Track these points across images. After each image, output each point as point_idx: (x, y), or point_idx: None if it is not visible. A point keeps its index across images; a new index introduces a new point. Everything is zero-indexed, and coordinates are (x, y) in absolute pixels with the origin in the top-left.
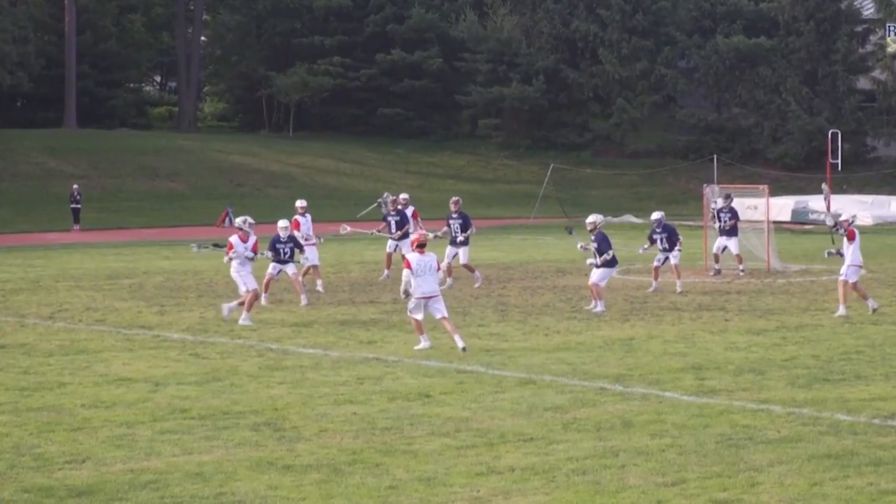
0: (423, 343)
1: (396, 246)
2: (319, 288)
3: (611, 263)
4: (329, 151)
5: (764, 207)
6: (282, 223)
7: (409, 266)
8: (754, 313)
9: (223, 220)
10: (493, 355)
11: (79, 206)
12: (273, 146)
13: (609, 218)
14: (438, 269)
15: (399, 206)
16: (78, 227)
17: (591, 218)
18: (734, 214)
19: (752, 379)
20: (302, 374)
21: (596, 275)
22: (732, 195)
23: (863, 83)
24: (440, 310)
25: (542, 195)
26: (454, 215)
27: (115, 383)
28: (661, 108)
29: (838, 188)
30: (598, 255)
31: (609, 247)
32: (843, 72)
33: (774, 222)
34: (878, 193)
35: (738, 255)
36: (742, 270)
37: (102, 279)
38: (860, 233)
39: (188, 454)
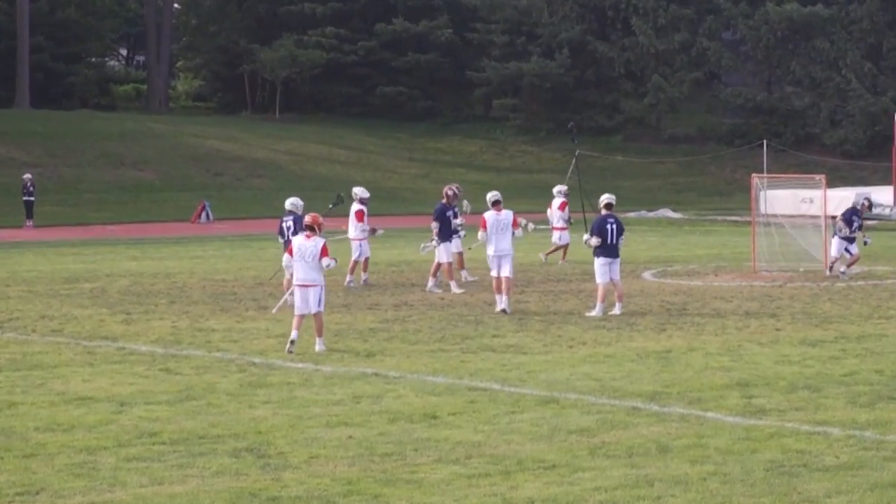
0: (293, 336)
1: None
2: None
3: (600, 251)
4: (321, 136)
5: (820, 201)
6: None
7: (291, 252)
8: (809, 321)
9: (199, 216)
10: (510, 370)
11: (32, 198)
12: (256, 130)
13: (643, 212)
14: (324, 255)
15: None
16: (31, 223)
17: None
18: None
19: (807, 397)
20: (290, 391)
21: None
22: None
23: None
24: (312, 303)
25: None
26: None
27: (74, 403)
28: (703, 86)
29: None
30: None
31: (598, 231)
32: None
33: (832, 218)
34: None
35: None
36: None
37: (59, 283)
38: None
39: (158, 484)
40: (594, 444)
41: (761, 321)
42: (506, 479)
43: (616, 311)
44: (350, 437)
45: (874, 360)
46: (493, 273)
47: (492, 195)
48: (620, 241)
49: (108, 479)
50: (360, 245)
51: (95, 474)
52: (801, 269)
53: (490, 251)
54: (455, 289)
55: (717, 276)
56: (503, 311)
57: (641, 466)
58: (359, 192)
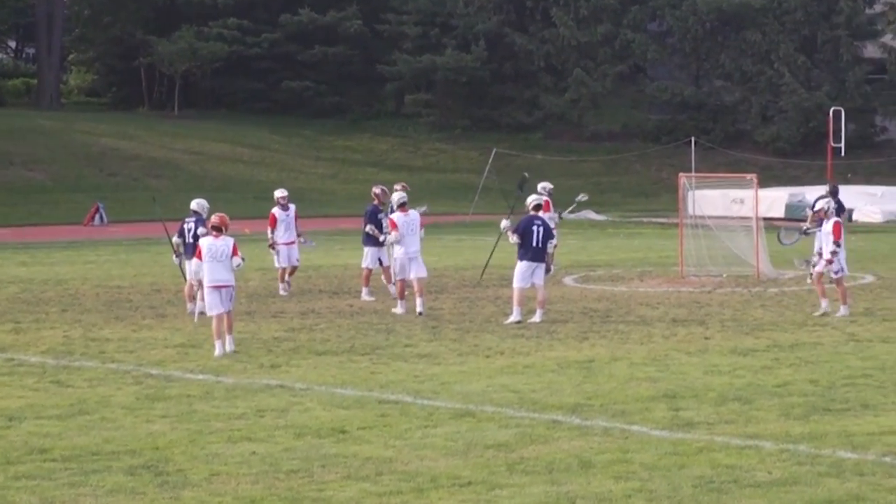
0: (218, 350)
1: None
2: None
3: (524, 254)
4: (222, 134)
5: (752, 201)
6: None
7: (200, 256)
8: (740, 329)
9: (92, 218)
10: (423, 382)
11: None
12: (154, 127)
13: (566, 214)
14: (235, 254)
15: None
16: None
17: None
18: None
19: (738, 409)
20: (189, 405)
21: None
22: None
23: (871, 51)
24: (226, 303)
25: (482, 186)
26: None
27: None
28: (628, 80)
29: (841, 177)
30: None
31: (521, 232)
32: (847, 37)
33: (765, 219)
34: (889, 184)
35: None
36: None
37: None
38: (867, 231)
39: None
40: (512, 459)
41: (689, 329)
42: (419, 497)
43: (536, 318)
44: (253, 452)
45: (808, 369)
46: (399, 276)
47: (398, 196)
48: (549, 245)
49: None
50: (280, 250)
51: None
52: (724, 276)
53: (398, 253)
54: (365, 296)
55: (642, 281)
56: (419, 313)
57: (562, 483)
58: (276, 193)
